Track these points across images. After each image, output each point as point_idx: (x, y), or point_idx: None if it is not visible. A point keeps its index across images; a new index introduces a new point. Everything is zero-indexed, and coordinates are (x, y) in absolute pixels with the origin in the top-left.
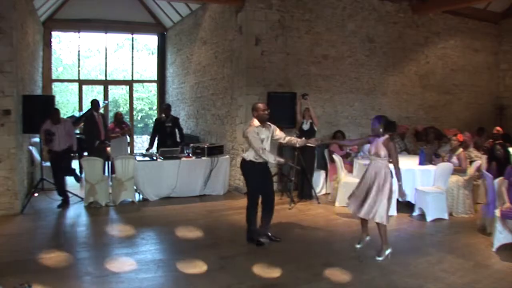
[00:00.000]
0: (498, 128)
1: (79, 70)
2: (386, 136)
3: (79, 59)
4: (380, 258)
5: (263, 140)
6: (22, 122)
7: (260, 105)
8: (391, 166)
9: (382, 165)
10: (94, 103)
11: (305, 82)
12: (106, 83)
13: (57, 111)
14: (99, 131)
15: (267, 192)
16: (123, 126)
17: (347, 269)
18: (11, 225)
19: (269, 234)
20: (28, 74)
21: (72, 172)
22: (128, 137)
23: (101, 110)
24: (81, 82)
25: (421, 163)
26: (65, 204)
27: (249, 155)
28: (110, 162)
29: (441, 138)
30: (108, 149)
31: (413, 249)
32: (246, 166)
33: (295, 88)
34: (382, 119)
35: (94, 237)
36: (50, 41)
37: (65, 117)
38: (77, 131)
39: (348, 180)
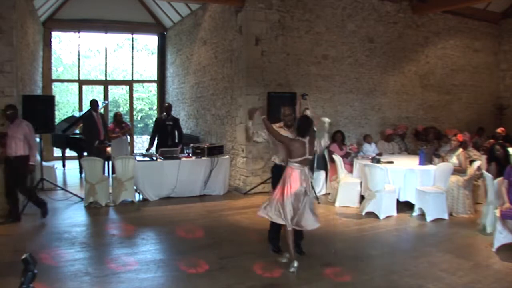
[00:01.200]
0: (502, 128)
1: (79, 70)
2: (297, 138)
3: (79, 59)
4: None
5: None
6: None
7: (283, 109)
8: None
9: (290, 168)
10: (93, 103)
11: (305, 82)
12: (106, 83)
13: (10, 107)
14: (98, 131)
15: None
16: (123, 126)
17: (347, 269)
18: (11, 225)
19: (300, 246)
20: (28, 74)
21: (34, 198)
22: (128, 137)
23: (101, 110)
24: (81, 82)
25: (421, 163)
26: (44, 211)
27: (274, 159)
28: (110, 162)
29: (441, 138)
30: (108, 149)
31: (413, 249)
32: (272, 170)
33: (295, 88)
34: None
35: (94, 237)
36: (50, 41)
37: (64, 117)
38: (77, 131)
39: (348, 180)
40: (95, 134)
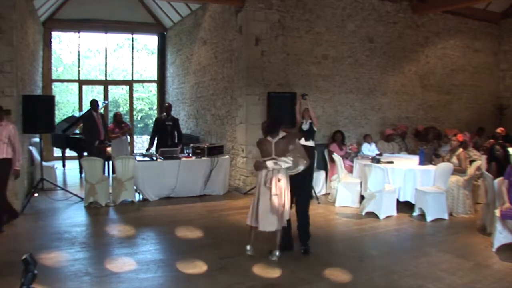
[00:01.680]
0: (501, 128)
1: (79, 70)
2: (266, 138)
3: (79, 59)
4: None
5: None
6: (22, 122)
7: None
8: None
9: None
10: (93, 103)
11: (305, 82)
12: (106, 83)
13: None
14: (98, 131)
15: (297, 198)
16: (122, 126)
17: (347, 269)
18: (11, 225)
19: (307, 245)
20: (28, 74)
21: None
22: (128, 137)
23: (101, 110)
24: (81, 82)
25: (421, 163)
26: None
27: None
28: (110, 162)
29: (441, 138)
30: (108, 149)
31: (413, 249)
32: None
33: (295, 88)
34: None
35: (94, 237)
36: (50, 41)
37: (64, 117)
38: (77, 131)
39: (348, 180)
40: (95, 134)
